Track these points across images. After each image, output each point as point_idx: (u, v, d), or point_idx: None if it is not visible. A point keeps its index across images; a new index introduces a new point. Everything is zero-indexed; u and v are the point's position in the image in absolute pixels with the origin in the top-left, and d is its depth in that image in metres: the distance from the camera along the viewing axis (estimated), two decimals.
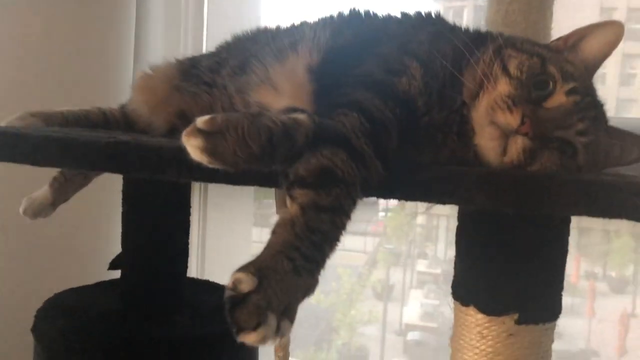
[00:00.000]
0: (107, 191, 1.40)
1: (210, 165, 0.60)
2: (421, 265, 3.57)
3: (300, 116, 0.65)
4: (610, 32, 0.82)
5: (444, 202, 0.71)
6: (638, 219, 0.63)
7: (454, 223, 0.88)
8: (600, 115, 0.81)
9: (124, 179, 1.23)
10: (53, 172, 1.23)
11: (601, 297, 2.90)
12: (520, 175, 0.71)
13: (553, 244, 0.82)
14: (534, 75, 0.77)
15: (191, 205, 1.32)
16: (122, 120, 1.20)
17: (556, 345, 0.86)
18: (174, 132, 1.05)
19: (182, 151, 0.61)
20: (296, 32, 1.00)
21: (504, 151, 0.74)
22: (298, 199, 0.61)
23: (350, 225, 0.64)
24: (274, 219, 0.62)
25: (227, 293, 0.54)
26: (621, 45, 0.83)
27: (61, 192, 1.23)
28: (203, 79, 1.07)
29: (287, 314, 0.56)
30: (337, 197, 0.61)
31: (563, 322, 0.85)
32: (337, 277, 3.23)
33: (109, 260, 1.35)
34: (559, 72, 0.78)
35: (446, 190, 0.70)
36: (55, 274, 1.61)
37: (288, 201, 0.62)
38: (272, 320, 0.54)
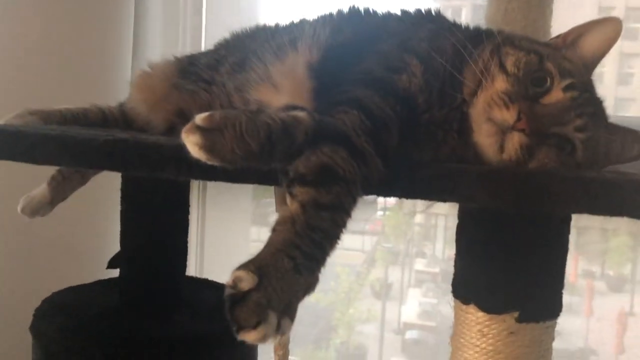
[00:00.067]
0: (105, 190, 1.39)
1: (209, 163, 0.60)
2: (419, 264, 3.58)
3: (300, 114, 0.65)
4: (608, 29, 0.82)
5: (444, 200, 0.71)
6: (639, 217, 0.63)
7: (452, 222, 0.87)
8: (600, 112, 0.81)
9: (122, 177, 1.22)
10: (51, 170, 1.23)
11: (599, 296, 2.91)
12: (521, 173, 0.71)
13: (553, 241, 0.81)
14: (531, 72, 0.77)
15: (190, 204, 1.31)
16: (121, 118, 1.19)
17: (554, 344, 0.86)
18: (172, 130, 1.04)
19: (181, 149, 0.60)
20: (296, 30, 0.99)
21: (501, 148, 0.74)
22: (298, 196, 0.60)
23: (349, 224, 0.64)
24: (273, 217, 0.62)
25: (227, 291, 0.54)
26: (619, 44, 0.83)
27: (59, 191, 1.23)
28: (202, 77, 1.07)
29: (288, 312, 0.56)
30: (337, 195, 0.61)
31: (561, 321, 0.85)
32: (335, 276, 3.23)
33: (108, 259, 1.35)
34: (556, 69, 0.77)
35: (446, 188, 0.70)
36: (54, 273, 1.60)
37: (288, 199, 0.61)
38: (272, 318, 0.54)
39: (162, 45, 1.93)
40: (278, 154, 0.62)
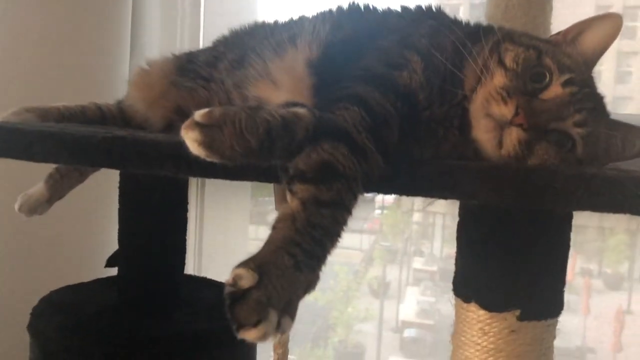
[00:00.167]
0: (103, 188, 1.39)
1: (208, 159, 0.60)
2: (417, 263, 3.59)
3: (300, 110, 0.65)
4: (609, 25, 0.82)
5: (445, 197, 0.71)
6: None
7: (450, 220, 0.87)
8: (600, 108, 0.80)
9: (120, 175, 1.22)
10: (49, 168, 1.22)
11: (597, 294, 2.91)
12: (522, 170, 0.70)
13: (555, 240, 0.81)
14: (529, 67, 0.77)
15: (188, 202, 1.31)
16: (119, 116, 1.19)
17: None
18: (171, 128, 1.04)
19: (180, 146, 0.60)
20: (295, 26, 0.99)
21: (500, 143, 0.74)
22: (298, 194, 0.60)
23: (349, 222, 0.63)
24: (271, 216, 0.61)
25: (227, 289, 0.54)
26: (617, 43, 0.83)
27: (57, 189, 1.22)
28: (200, 74, 1.06)
29: (288, 310, 0.55)
30: (338, 192, 0.61)
31: (559, 319, 0.85)
32: (333, 275, 3.24)
33: (106, 258, 1.34)
34: (555, 64, 0.77)
35: (447, 185, 0.69)
36: (52, 271, 1.60)
37: (288, 196, 0.61)
38: (272, 316, 0.53)
39: (160, 42, 1.93)
40: (278, 150, 0.62)
